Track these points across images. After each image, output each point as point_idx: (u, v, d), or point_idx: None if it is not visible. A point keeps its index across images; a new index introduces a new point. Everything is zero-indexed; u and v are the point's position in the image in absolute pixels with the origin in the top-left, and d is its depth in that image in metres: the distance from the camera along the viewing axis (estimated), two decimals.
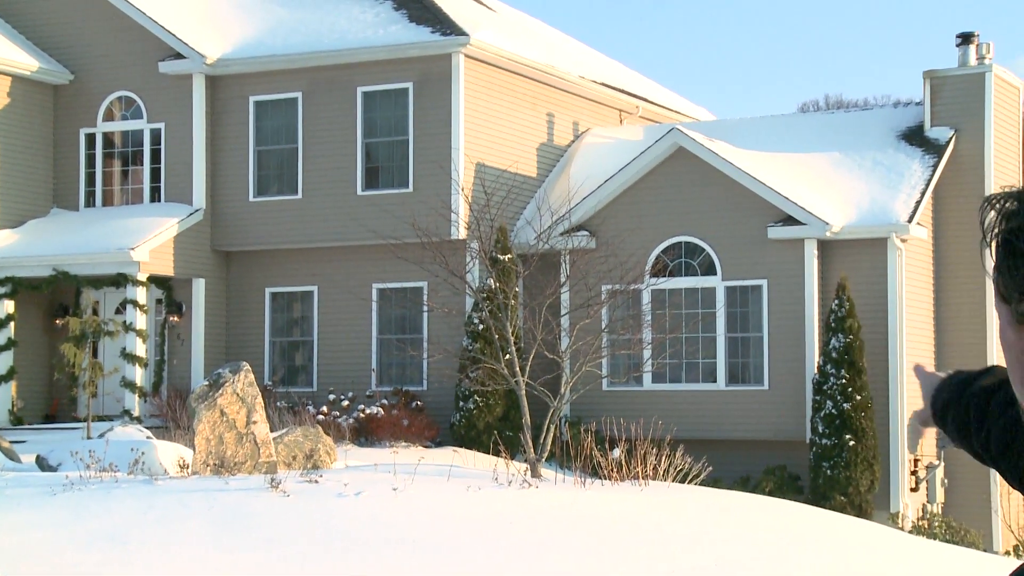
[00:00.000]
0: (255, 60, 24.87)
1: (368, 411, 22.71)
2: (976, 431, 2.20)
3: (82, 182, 26.06)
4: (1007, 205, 1.54)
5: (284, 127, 25.10)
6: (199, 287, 25.11)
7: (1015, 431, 1.67)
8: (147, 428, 20.38)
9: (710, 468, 17.22)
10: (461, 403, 22.36)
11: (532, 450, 16.58)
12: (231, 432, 15.68)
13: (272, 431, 17.10)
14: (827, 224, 21.82)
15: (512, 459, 17.14)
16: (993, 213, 1.55)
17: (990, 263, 1.56)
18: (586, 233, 23.21)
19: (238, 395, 15.78)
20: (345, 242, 24.55)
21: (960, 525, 20.51)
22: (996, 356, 22.91)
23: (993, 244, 1.54)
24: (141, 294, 24.02)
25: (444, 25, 23.92)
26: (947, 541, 18.27)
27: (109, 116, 25.95)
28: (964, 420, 2.24)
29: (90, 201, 26.05)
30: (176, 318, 25.14)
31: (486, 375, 20.14)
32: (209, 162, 25.36)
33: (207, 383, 16.19)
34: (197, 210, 25.14)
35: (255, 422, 15.81)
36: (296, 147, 24.96)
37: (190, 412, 16.22)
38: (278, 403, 22.39)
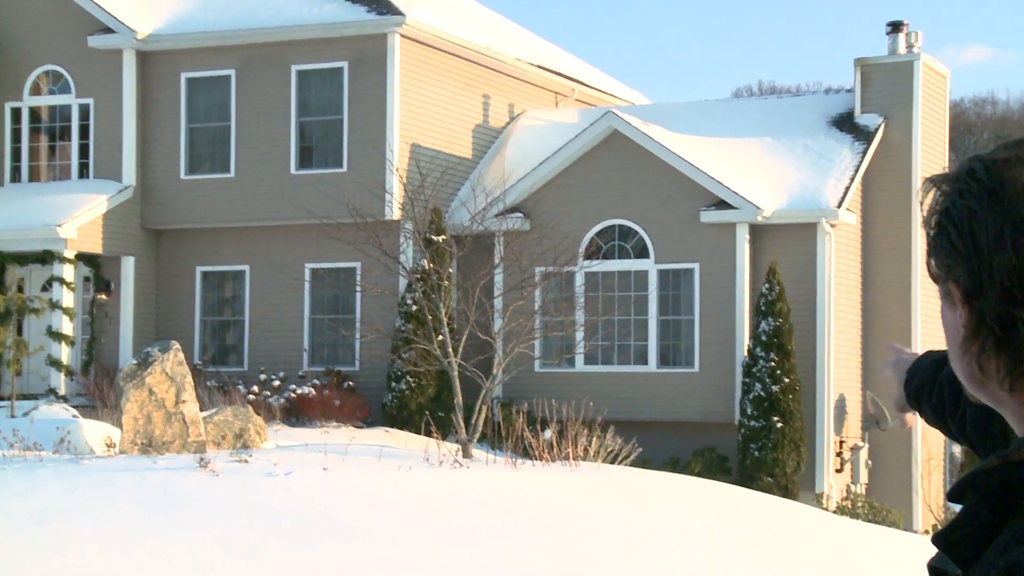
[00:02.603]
0: (187, 36, 24.56)
1: (299, 391, 22.59)
2: (951, 414, 2.18)
3: (7, 157, 25.61)
4: (942, 187, 1.56)
5: (217, 104, 24.83)
6: (128, 265, 24.81)
7: (990, 413, 1.69)
8: (73, 407, 20.12)
9: (640, 449, 17.34)
10: (393, 383, 22.31)
11: (464, 431, 16.58)
12: (160, 411, 15.52)
13: (202, 410, 16.96)
14: (759, 208, 22.00)
15: (444, 440, 17.14)
16: (931, 195, 1.57)
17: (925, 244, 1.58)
18: (520, 215, 23.22)
19: (167, 374, 15.63)
20: (278, 221, 24.36)
21: (882, 505, 20.84)
22: (921, 340, 23.27)
23: (928, 225, 1.57)
24: (68, 271, 23.68)
25: (380, 4, 23.77)
26: (869, 521, 18.54)
27: (36, 90, 25.51)
28: (939, 403, 2.23)
29: (16, 177, 25.61)
30: (104, 296, 24.83)
31: (419, 356, 20.09)
32: (139, 139, 25.03)
33: (136, 362, 16.01)
34: (127, 187, 24.82)
35: (184, 401, 15.67)
36: (229, 125, 24.70)
37: (118, 391, 16.04)
38: (208, 382, 22.21)
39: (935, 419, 2.28)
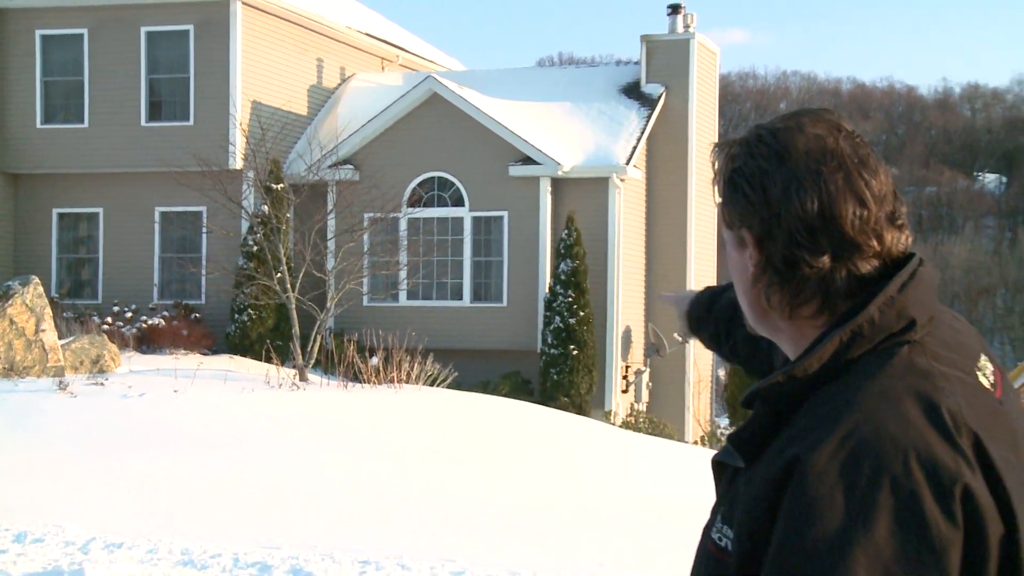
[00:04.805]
0: None
1: (150, 322, 22.00)
2: (725, 339, 2.31)
3: None
4: (732, 150, 1.64)
5: (71, 60, 23.75)
6: None
7: (758, 338, 1.80)
8: None
9: (456, 374, 17.52)
10: (236, 315, 21.93)
11: (300, 357, 16.46)
12: (20, 339, 14.93)
13: (60, 339, 16.36)
14: (559, 164, 22.28)
15: (282, 365, 16.97)
16: (723, 156, 1.64)
17: (719, 198, 1.65)
18: (351, 167, 22.99)
19: (27, 305, 15.02)
20: (130, 168, 23.53)
21: (660, 420, 21.55)
22: (695, 278, 24.03)
23: (721, 181, 1.64)
24: None
25: None
26: (649, 433, 19.16)
27: None
28: (714, 332, 2.35)
29: None
30: None
31: (259, 291, 19.79)
32: None
33: None
34: None
35: (44, 330, 15.10)
36: (82, 80, 23.67)
37: None
38: (65, 314, 21.43)
39: (711, 343, 2.42)
